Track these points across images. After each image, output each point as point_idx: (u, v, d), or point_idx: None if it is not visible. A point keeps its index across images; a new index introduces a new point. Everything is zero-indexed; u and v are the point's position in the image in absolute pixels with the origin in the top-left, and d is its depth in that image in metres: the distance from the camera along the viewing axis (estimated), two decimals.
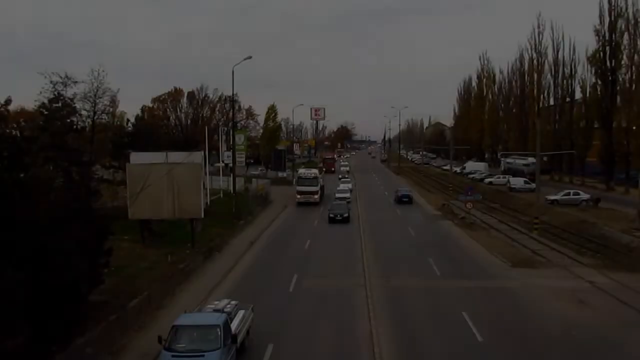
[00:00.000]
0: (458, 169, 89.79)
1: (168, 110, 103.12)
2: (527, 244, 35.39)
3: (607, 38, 59.43)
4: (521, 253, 32.59)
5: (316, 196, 54.72)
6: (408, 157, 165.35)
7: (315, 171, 59.64)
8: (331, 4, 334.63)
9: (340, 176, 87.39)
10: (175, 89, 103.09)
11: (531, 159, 69.94)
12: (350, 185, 66.67)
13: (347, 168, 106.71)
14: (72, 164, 32.71)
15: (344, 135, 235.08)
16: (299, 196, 54.89)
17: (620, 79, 58.95)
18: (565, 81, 72.52)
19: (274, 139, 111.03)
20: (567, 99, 72.55)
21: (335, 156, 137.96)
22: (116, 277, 22.46)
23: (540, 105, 76.48)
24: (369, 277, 26.56)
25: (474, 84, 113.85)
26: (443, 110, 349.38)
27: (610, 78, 59.87)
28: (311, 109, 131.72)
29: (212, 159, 71.25)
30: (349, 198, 55.14)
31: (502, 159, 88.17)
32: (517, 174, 72.45)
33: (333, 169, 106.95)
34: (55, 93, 34.98)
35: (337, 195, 56.08)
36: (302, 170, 61.56)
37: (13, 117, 39.67)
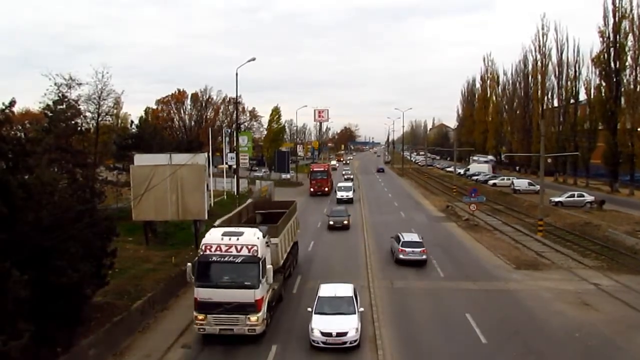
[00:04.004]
0: (462, 171, 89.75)
1: (172, 112, 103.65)
2: (531, 245, 35.29)
3: (611, 39, 59.29)
4: (525, 255, 32.53)
5: (255, 320, 18.08)
6: (411, 158, 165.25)
7: (253, 236, 18.96)
8: (336, 5, 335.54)
9: (330, 221, 40.72)
10: (179, 90, 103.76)
11: (490, 157, 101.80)
12: (352, 295, 19.95)
13: (350, 193, 58.00)
14: (76, 165, 33.01)
15: (347, 137, 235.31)
16: (200, 320, 18.11)
17: (625, 81, 58.75)
18: (569, 82, 72.43)
19: (277, 141, 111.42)
20: (571, 101, 72.40)
21: (331, 166, 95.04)
22: (120, 279, 22.53)
23: (544, 106, 76.30)
24: (373, 278, 26.57)
25: (477, 85, 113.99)
26: (447, 111, 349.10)
27: (614, 79, 59.70)
28: (315, 110, 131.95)
29: (216, 160, 71.60)
30: None
31: (470, 157, 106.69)
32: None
33: (326, 188, 65.04)
34: (60, 95, 35.18)
35: (314, 335, 17.61)
36: (213, 233, 19.31)
37: (18, 118, 39.91)
